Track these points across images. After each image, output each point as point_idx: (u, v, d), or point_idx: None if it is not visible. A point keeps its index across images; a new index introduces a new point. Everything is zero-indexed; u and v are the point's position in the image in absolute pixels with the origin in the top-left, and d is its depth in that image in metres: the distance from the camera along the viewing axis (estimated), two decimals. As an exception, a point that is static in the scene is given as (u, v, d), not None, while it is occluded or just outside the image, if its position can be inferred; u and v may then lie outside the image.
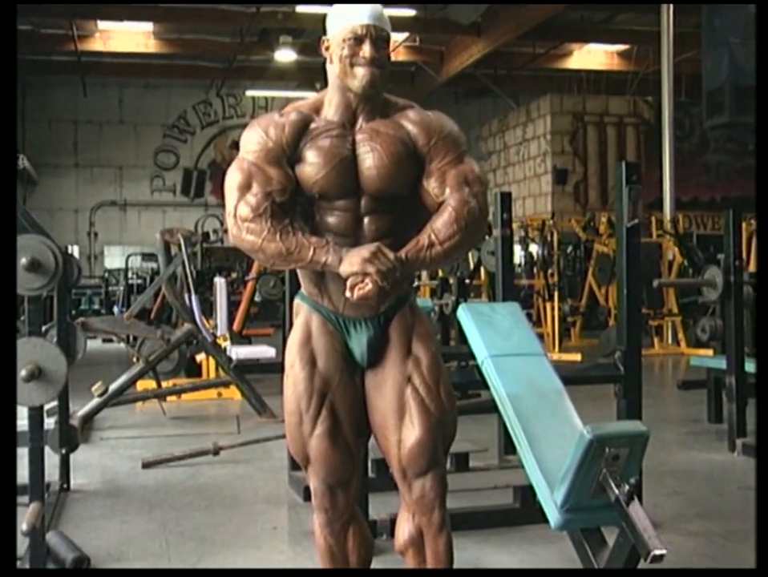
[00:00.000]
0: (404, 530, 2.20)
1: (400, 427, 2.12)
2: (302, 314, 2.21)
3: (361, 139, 2.11)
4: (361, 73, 2.06)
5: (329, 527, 2.17)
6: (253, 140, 2.11)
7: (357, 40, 2.07)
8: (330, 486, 2.13)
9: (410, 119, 2.15)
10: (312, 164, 2.08)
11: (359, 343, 2.16)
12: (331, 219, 2.11)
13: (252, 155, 2.10)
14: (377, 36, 2.08)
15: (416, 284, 9.09)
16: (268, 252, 2.04)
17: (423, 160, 2.13)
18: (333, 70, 2.13)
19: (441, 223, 2.08)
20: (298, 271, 2.18)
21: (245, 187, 2.08)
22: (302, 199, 2.12)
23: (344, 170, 2.08)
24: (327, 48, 2.14)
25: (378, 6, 2.12)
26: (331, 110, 2.14)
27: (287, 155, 2.09)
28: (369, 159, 2.09)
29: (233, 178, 2.10)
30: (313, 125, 2.11)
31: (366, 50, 2.06)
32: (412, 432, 2.10)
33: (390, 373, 2.15)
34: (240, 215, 2.06)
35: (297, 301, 2.25)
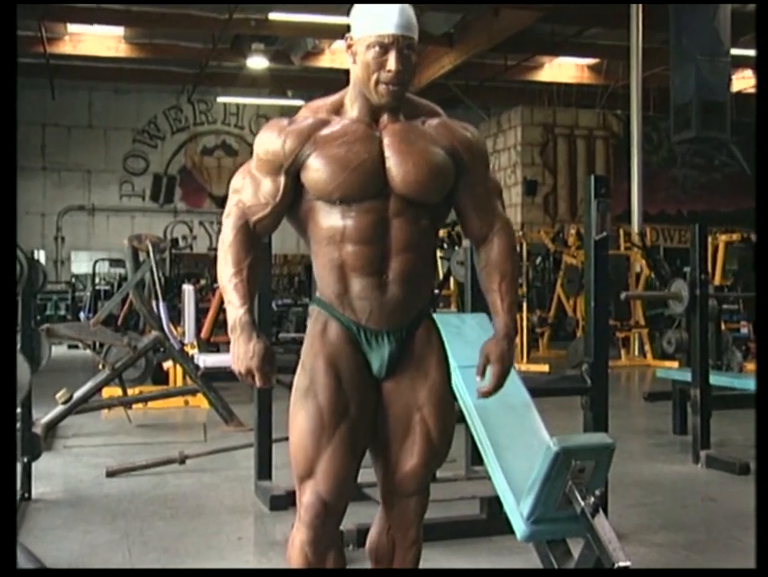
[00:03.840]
0: (377, 539, 2.19)
1: (400, 450, 2.09)
2: (321, 322, 2.10)
3: (393, 142, 2.03)
4: (383, 90, 1.99)
5: (314, 546, 2.05)
6: (258, 147, 2.08)
7: (383, 49, 1.97)
8: (326, 504, 2.02)
9: (450, 132, 2.09)
10: (327, 170, 1.99)
11: (380, 356, 2.09)
12: (355, 226, 2.01)
13: (254, 162, 2.09)
14: (404, 45, 1.98)
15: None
16: (219, 260, 2.07)
17: (460, 171, 2.10)
18: (354, 71, 2.04)
19: (503, 256, 2.13)
20: (317, 277, 2.12)
21: (237, 193, 2.09)
22: (322, 204, 2.04)
23: (367, 171, 2.00)
24: (350, 46, 2.03)
25: (407, 10, 2.01)
26: (355, 112, 2.06)
27: (284, 167, 2.03)
28: (405, 165, 2.01)
29: (236, 180, 2.12)
30: (327, 129, 2.03)
31: (392, 63, 1.96)
32: (411, 460, 2.08)
33: (403, 395, 2.09)
34: (226, 217, 2.09)
35: (313, 307, 2.14)
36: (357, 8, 2.04)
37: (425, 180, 2.03)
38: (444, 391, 2.13)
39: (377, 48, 1.97)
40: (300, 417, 2.03)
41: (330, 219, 2.03)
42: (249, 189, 2.07)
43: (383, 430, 2.11)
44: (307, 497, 2.04)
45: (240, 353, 1.98)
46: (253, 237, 2.07)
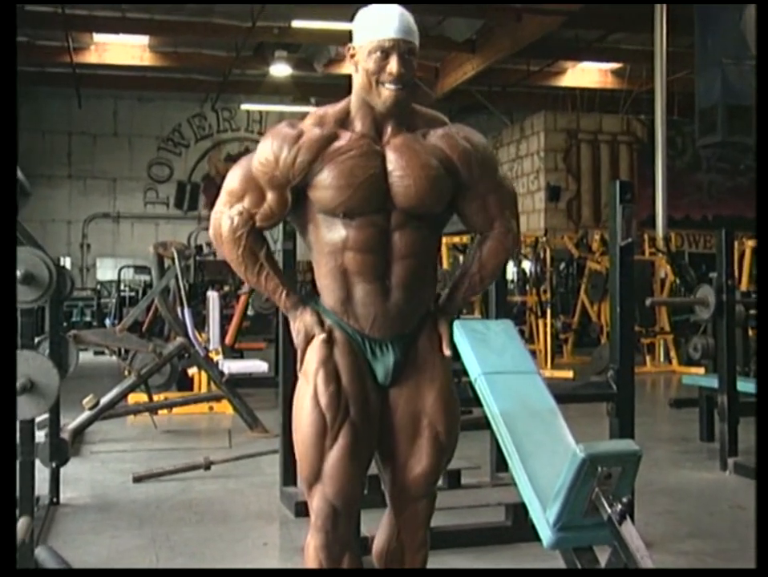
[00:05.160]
0: (387, 544, 2.22)
1: (408, 453, 2.12)
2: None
3: (395, 157, 2.05)
4: (386, 93, 2.01)
5: (327, 550, 2.09)
6: (264, 156, 2.06)
7: (384, 54, 2.00)
8: (335, 508, 2.06)
9: (450, 146, 2.10)
10: (334, 187, 2.01)
11: (384, 365, 2.12)
12: (358, 236, 2.04)
13: (257, 170, 2.07)
14: (405, 49, 2.01)
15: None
16: (236, 270, 2.15)
17: (460, 184, 2.12)
18: (357, 79, 2.06)
19: (488, 257, 2.20)
20: (319, 285, 2.14)
21: (236, 199, 2.09)
22: (325, 216, 2.06)
23: (371, 188, 2.02)
24: (353, 56, 2.07)
25: (407, 16, 2.05)
26: (358, 124, 2.07)
27: (292, 184, 2.05)
28: (406, 179, 2.03)
29: (233, 180, 2.11)
30: (335, 144, 2.04)
31: (393, 66, 1.99)
32: (420, 462, 2.12)
33: (409, 399, 2.12)
34: (221, 225, 2.10)
35: None
36: (358, 17, 2.08)
37: (424, 195, 2.05)
38: (450, 394, 2.16)
39: (378, 53, 2.00)
40: (303, 422, 2.07)
41: (333, 229, 2.06)
42: (252, 198, 2.08)
43: (391, 436, 2.14)
44: (316, 501, 2.08)
45: (295, 329, 2.13)
46: (258, 234, 2.13)
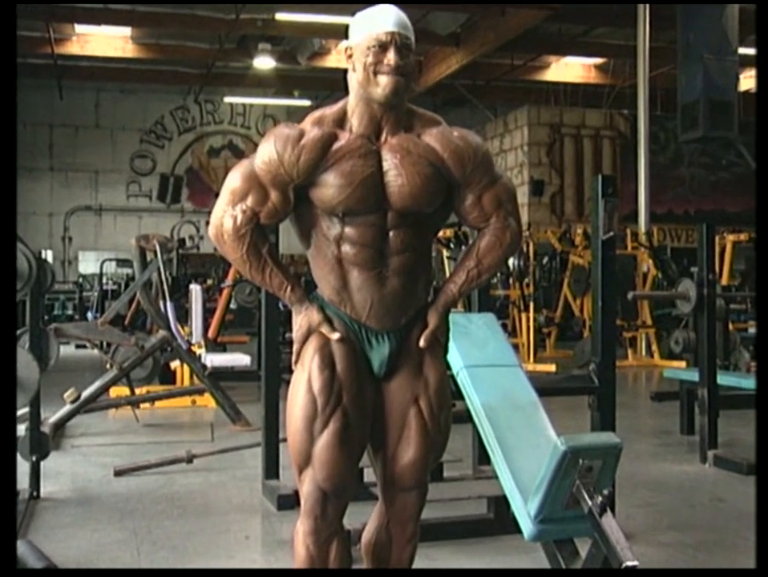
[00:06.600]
0: (375, 535, 2.24)
1: (397, 443, 2.16)
2: None
3: (389, 157, 2.09)
4: (384, 81, 2.05)
5: (315, 536, 2.12)
6: (267, 156, 2.08)
7: (382, 47, 2.05)
8: (324, 493, 2.09)
9: (442, 145, 2.13)
10: (334, 186, 2.05)
11: (380, 354, 2.16)
12: (355, 232, 2.09)
13: (261, 170, 2.09)
14: (402, 43, 2.06)
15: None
16: (239, 269, 2.19)
17: (454, 184, 2.15)
18: (355, 78, 2.10)
19: (485, 251, 2.18)
20: (316, 277, 2.18)
21: (239, 198, 2.09)
22: (323, 213, 2.10)
23: (369, 187, 2.06)
24: (350, 56, 2.12)
25: (402, 13, 2.11)
26: (355, 123, 2.11)
27: (295, 182, 2.08)
28: (400, 179, 2.07)
29: (234, 180, 2.12)
30: (335, 145, 2.07)
31: (391, 57, 2.05)
32: (408, 451, 2.15)
33: (400, 389, 2.16)
34: (223, 224, 2.11)
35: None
36: (354, 19, 2.13)
37: (417, 194, 2.09)
38: (440, 386, 2.19)
39: (376, 47, 2.06)
40: (296, 406, 2.11)
41: (331, 226, 2.11)
42: (256, 197, 2.10)
43: (382, 426, 2.17)
44: (306, 486, 2.11)
45: (297, 323, 2.16)
46: (261, 232, 2.13)
